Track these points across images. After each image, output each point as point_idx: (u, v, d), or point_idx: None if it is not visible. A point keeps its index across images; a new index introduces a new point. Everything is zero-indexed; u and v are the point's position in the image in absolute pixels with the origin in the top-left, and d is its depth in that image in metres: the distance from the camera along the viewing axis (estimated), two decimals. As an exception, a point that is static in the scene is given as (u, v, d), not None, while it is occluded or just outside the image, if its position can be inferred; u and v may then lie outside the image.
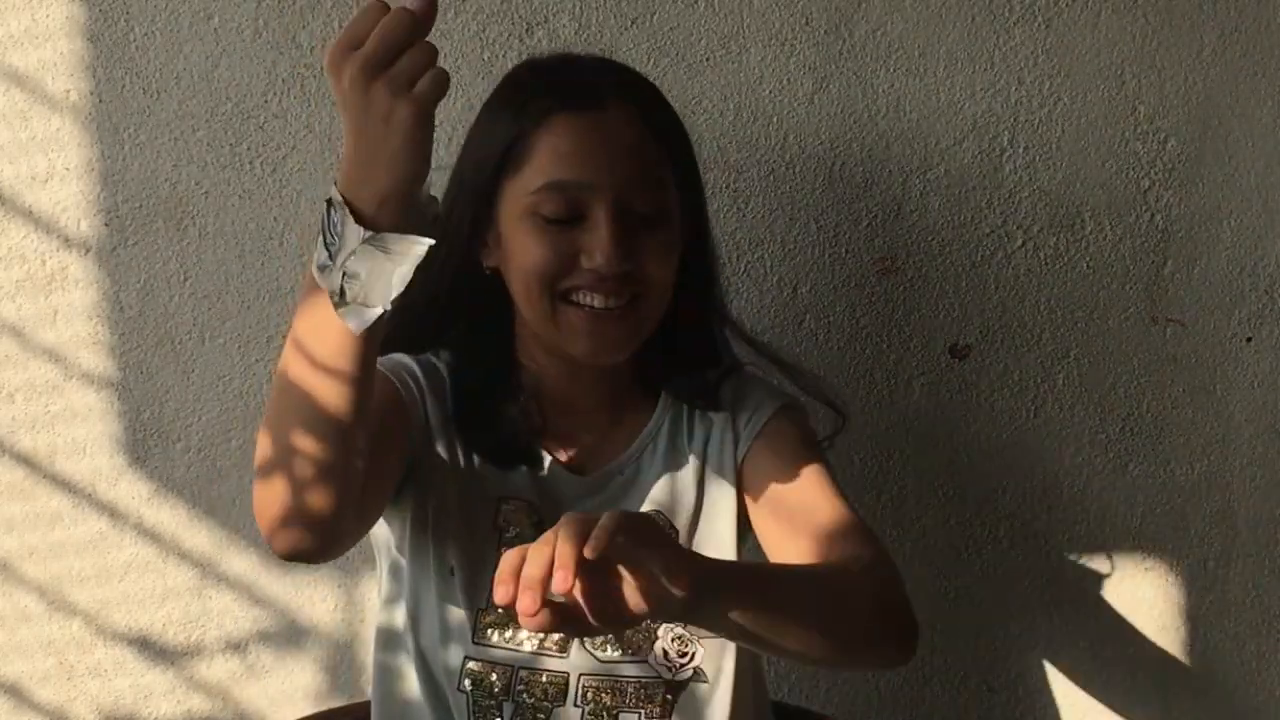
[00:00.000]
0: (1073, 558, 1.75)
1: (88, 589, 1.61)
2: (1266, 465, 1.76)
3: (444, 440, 1.30)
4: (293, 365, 1.04)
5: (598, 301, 1.24)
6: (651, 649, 1.28)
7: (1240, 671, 1.79)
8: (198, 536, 1.61)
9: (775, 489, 1.30)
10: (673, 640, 1.28)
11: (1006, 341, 1.70)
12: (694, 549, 1.30)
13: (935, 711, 1.75)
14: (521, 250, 1.25)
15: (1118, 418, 1.73)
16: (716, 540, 1.32)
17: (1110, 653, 1.76)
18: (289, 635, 1.63)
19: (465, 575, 1.27)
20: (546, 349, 1.30)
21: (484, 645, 1.26)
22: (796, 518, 1.28)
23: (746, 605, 1.08)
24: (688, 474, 1.34)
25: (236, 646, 1.64)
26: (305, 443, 1.05)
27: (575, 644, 1.27)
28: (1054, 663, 1.76)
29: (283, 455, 1.06)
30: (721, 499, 1.33)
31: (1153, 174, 1.69)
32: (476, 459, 1.30)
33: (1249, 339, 1.74)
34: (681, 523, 1.32)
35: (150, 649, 1.63)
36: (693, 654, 1.29)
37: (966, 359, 1.70)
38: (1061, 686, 1.76)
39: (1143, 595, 1.76)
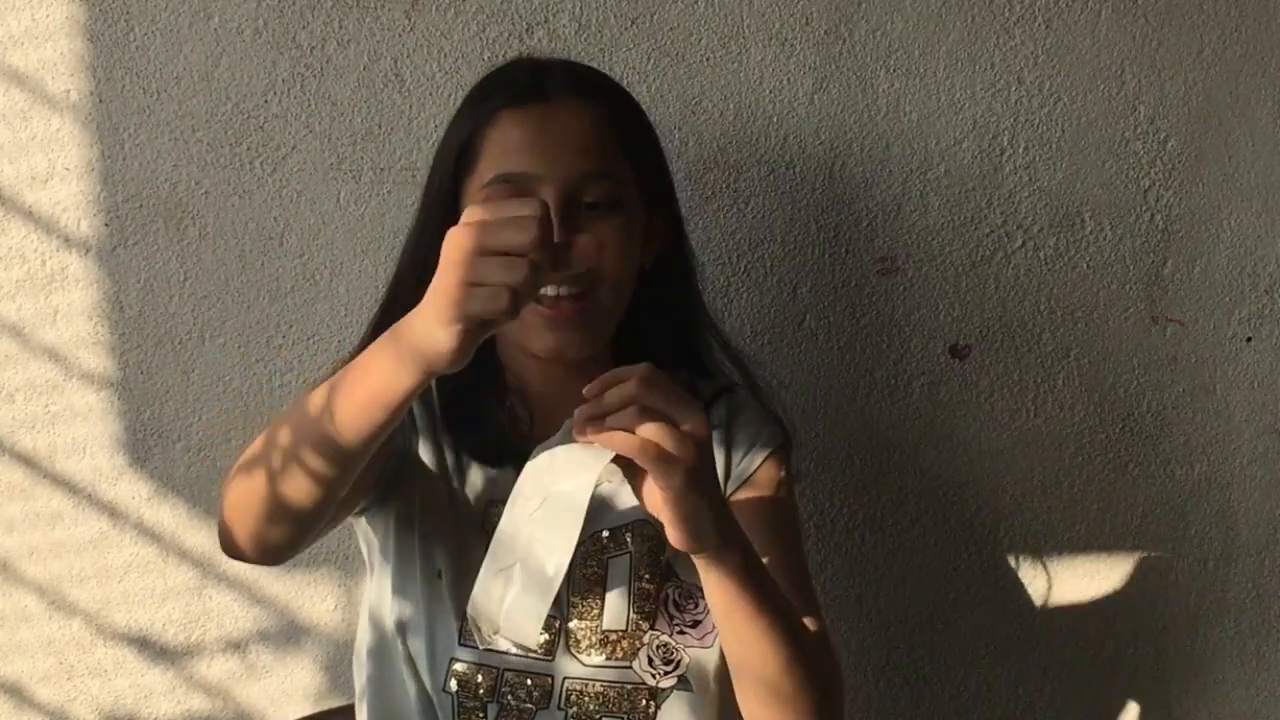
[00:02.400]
0: (1073, 558, 1.75)
1: (88, 589, 1.61)
2: (1266, 465, 1.76)
3: (430, 442, 1.31)
4: (324, 407, 1.06)
5: (550, 290, 1.24)
6: (637, 656, 1.28)
7: (1240, 671, 1.79)
8: (198, 536, 1.61)
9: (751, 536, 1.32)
10: (658, 648, 1.28)
11: (1006, 341, 1.70)
12: (678, 561, 1.30)
13: (935, 711, 1.75)
14: None
15: (1118, 418, 1.73)
16: None
17: (1110, 653, 1.77)
18: (289, 635, 1.63)
19: (452, 577, 1.27)
20: (519, 348, 1.31)
21: (470, 647, 1.26)
22: None
23: (744, 579, 1.10)
24: None
25: (236, 646, 1.64)
26: (310, 460, 1.07)
27: (561, 648, 1.27)
28: (1054, 662, 1.76)
29: (281, 464, 1.08)
30: None
31: (1153, 174, 1.69)
32: (465, 460, 1.31)
33: (1249, 339, 1.74)
34: None
35: (150, 649, 1.63)
36: (678, 662, 1.28)
37: (966, 359, 1.70)
38: (1061, 686, 1.76)
39: (1143, 595, 1.76)
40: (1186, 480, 1.75)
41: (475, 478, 1.31)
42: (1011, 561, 1.74)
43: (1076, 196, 1.69)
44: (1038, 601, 1.75)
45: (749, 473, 1.33)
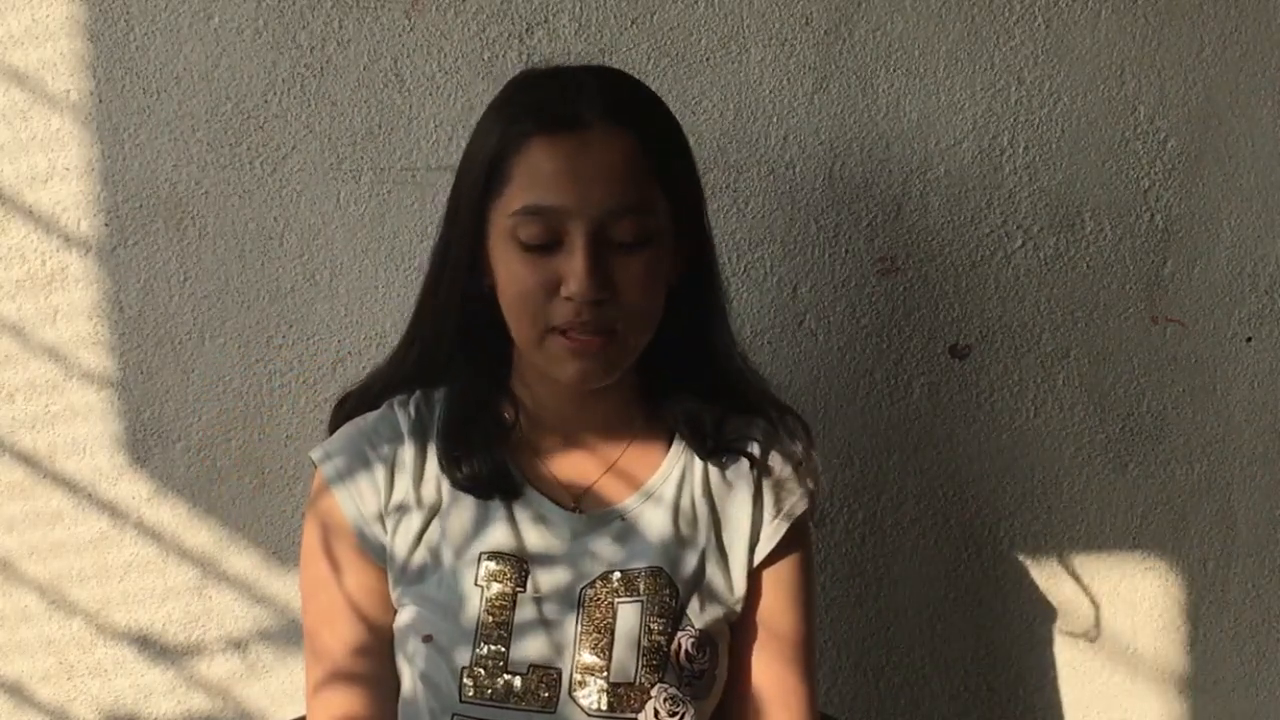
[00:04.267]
0: (1073, 557, 1.75)
1: (88, 588, 1.61)
2: (1266, 465, 1.76)
3: (416, 491, 1.31)
4: None
5: (577, 330, 1.23)
6: (644, 709, 1.26)
7: (1240, 671, 1.79)
8: (198, 536, 1.61)
9: (770, 602, 1.35)
10: (665, 700, 1.26)
11: (1006, 341, 1.70)
12: (692, 606, 1.30)
13: (935, 711, 1.75)
14: (506, 276, 1.25)
15: (1118, 418, 1.73)
16: (714, 607, 1.32)
17: (1110, 653, 1.77)
18: (290, 634, 1.63)
19: (447, 636, 1.26)
20: (538, 372, 1.30)
21: (470, 703, 1.25)
22: (770, 640, 1.35)
23: None
24: (696, 534, 1.33)
25: (237, 645, 1.64)
26: None
27: (564, 696, 1.25)
28: (1054, 663, 1.76)
29: None
30: (735, 571, 1.34)
31: (1153, 174, 1.69)
32: (460, 502, 1.30)
33: (1249, 339, 1.74)
34: (682, 580, 1.30)
35: (151, 648, 1.63)
36: (683, 714, 1.26)
37: (966, 359, 1.70)
38: (1061, 686, 1.76)
39: (1143, 595, 1.76)
40: (1186, 480, 1.75)
41: (469, 528, 1.29)
42: (1011, 561, 1.74)
43: (1076, 196, 1.69)
44: (1038, 601, 1.75)
45: (782, 531, 1.34)
